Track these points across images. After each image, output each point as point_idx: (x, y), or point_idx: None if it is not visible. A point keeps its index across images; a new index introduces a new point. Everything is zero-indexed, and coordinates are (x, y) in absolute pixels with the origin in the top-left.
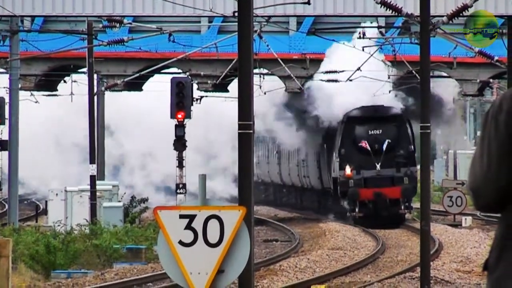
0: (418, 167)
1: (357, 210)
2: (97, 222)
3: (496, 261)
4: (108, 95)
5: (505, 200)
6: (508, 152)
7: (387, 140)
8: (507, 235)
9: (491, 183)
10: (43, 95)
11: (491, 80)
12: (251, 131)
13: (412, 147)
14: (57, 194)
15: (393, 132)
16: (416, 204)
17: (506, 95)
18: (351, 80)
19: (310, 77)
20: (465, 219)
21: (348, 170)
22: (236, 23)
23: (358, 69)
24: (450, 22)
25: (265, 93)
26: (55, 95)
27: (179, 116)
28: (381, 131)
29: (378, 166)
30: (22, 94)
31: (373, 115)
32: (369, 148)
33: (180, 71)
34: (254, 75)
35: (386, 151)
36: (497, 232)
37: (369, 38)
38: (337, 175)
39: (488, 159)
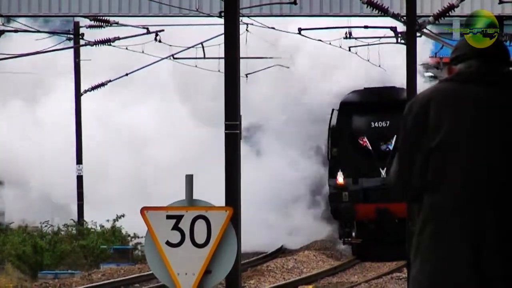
0: None
1: (353, 234)
2: (84, 223)
3: (414, 257)
4: None
5: (415, 197)
6: (414, 150)
7: (395, 136)
8: (419, 231)
9: (399, 179)
10: None
11: None
12: (238, 131)
13: None
14: None
15: None
16: None
17: (417, 98)
18: None
19: None
20: None
21: (340, 177)
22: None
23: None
24: (437, 22)
25: None
26: None
27: None
28: (388, 123)
29: (383, 173)
30: None
31: (377, 100)
32: (370, 147)
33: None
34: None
35: (395, 151)
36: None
37: (355, 38)
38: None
39: (397, 158)
